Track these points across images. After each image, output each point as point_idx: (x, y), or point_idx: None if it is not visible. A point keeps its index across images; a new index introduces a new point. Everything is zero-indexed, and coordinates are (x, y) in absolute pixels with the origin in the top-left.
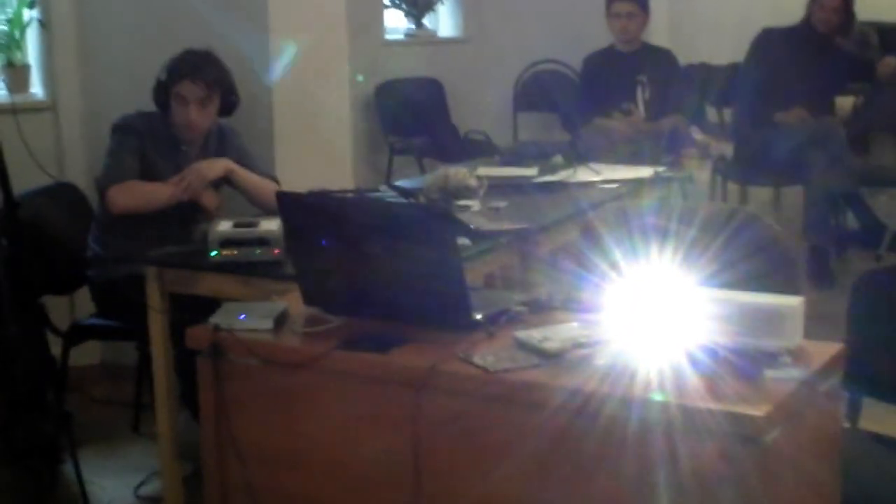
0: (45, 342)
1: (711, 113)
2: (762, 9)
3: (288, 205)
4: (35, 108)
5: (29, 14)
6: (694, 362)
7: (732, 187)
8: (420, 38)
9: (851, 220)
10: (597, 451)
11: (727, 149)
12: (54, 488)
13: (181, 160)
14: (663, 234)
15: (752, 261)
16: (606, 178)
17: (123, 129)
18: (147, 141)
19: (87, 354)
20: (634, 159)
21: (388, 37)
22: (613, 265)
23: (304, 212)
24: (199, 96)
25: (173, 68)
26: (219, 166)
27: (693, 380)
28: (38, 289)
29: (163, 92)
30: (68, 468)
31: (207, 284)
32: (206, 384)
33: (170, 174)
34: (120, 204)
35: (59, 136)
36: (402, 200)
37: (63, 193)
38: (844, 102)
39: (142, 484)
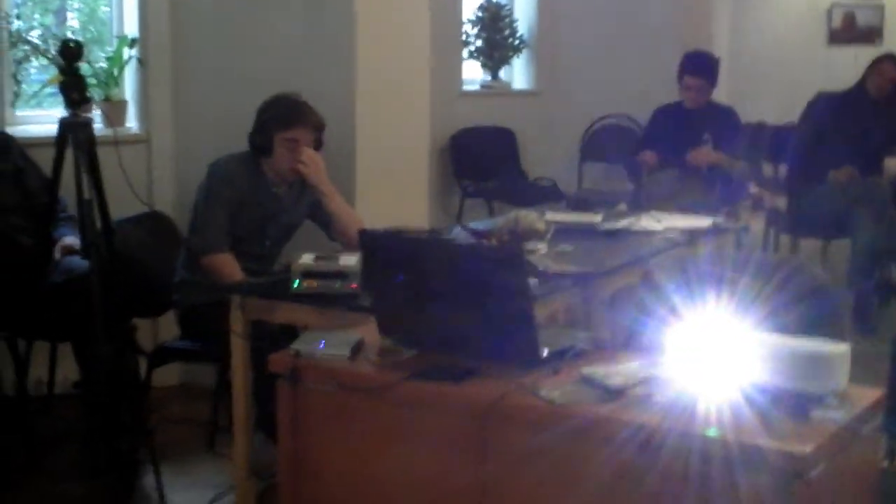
0: (133, 362)
1: (767, 168)
2: (816, 74)
3: (368, 242)
4: (130, 141)
5: (128, 53)
6: (748, 401)
7: (784, 239)
8: (495, 90)
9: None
10: (658, 484)
11: (781, 202)
12: (130, 502)
13: (272, 202)
14: (719, 281)
15: (801, 306)
16: (667, 226)
17: (219, 180)
18: (242, 186)
19: (168, 375)
20: (693, 208)
21: (466, 87)
22: (672, 310)
23: (383, 249)
24: (310, 140)
25: (284, 115)
26: (326, 178)
27: (747, 417)
28: (127, 311)
29: (267, 137)
30: (145, 483)
31: (288, 313)
32: (285, 407)
33: (260, 217)
34: (208, 270)
35: (150, 167)
36: (474, 241)
37: (154, 221)
38: (892, 164)
39: (215, 499)
